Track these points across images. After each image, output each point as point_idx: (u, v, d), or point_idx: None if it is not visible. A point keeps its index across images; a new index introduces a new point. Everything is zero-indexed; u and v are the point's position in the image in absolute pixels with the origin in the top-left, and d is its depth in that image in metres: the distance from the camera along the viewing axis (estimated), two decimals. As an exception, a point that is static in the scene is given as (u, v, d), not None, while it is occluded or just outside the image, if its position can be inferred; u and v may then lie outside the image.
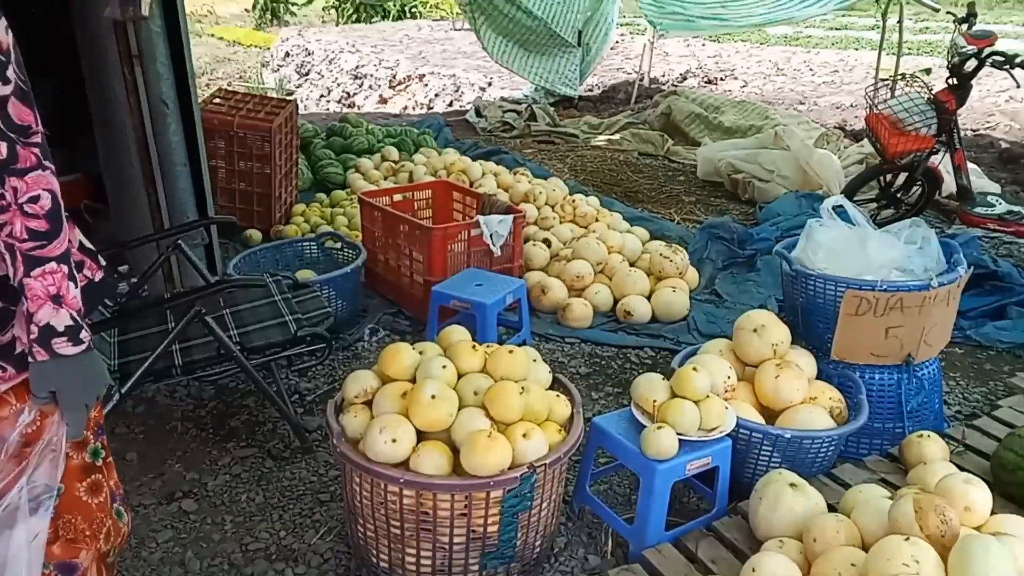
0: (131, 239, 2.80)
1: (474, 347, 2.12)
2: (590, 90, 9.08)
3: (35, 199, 1.18)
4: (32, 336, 1.21)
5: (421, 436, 1.91)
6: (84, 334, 1.25)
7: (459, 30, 14.12)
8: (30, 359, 1.23)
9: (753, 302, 3.61)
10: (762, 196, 5.08)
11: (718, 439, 2.14)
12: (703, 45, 12.49)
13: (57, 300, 1.21)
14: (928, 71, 5.17)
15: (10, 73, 1.15)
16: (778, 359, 2.45)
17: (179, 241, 2.76)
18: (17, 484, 1.22)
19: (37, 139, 1.20)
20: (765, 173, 5.18)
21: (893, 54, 7.12)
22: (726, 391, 2.33)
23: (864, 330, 2.46)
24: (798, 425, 2.28)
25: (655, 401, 2.15)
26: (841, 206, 2.74)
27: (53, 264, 1.21)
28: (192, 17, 15.37)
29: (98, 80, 3.22)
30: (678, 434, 2.07)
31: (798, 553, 1.87)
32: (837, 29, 13.69)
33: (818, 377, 2.52)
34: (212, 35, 16.38)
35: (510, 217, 3.50)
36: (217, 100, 4.50)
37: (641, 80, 8.69)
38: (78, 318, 1.24)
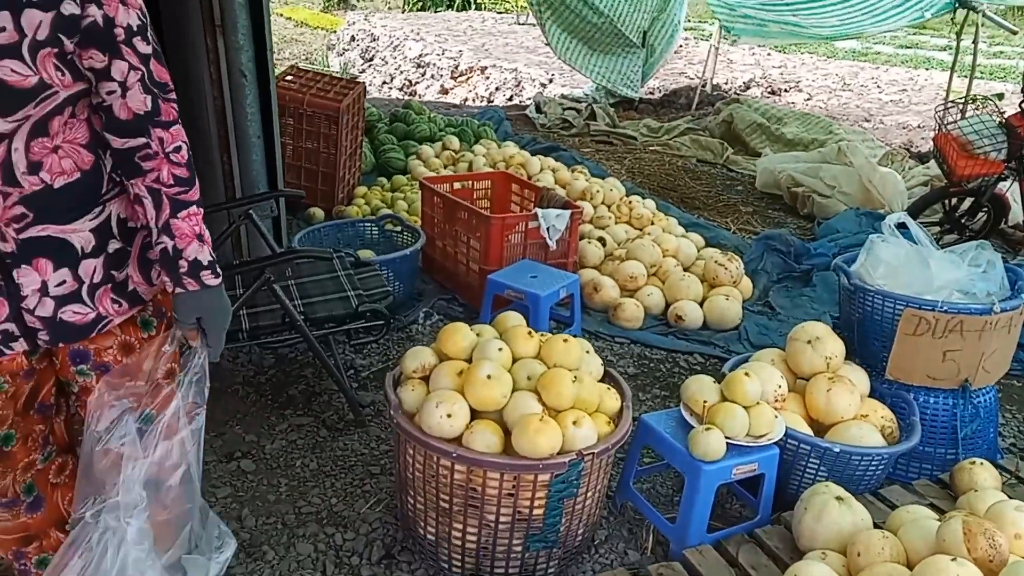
0: (204, 206, 2.91)
1: (530, 333, 2.16)
2: (651, 93, 9.05)
3: (177, 149, 1.31)
4: (182, 270, 1.35)
5: (475, 415, 1.96)
6: (218, 268, 1.39)
7: (523, 24, 14.17)
8: (179, 290, 1.37)
9: (806, 317, 3.57)
10: (822, 211, 5.03)
11: (766, 446, 2.15)
12: (768, 55, 12.32)
13: (200, 238, 1.36)
14: (1001, 96, 5.06)
15: (150, 34, 1.26)
16: (831, 373, 2.45)
17: (250, 211, 2.86)
18: (172, 403, 1.36)
19: (174, 96, 1.32)
20: (826, 188, 5.12)
21: (965, 76, 6.96)
22: (776, 400, 2.34)
23: (921, 351, 2.44)
24: (847, 440, 2.28)
25: (705, 403, 2.17)
26: (904, 224, 2.71)
27: (194, 207, 1.35)
28: (263, -3, 15.58)
29: (180, 48, 3.34)
30: (726, 437, 2.09)
31: (841, 566, 1.87)
32: (907, 47, 13.37)
33: (870, 395, 2.50)
34: (280, 14, 16.68)
35: (568, 212, 3.54)
36: (289, 77, 4.62)
37: (703, 86, 8.63)
38: (214, 255, 1.39)
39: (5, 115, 1.15)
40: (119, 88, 1.24)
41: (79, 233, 1.30)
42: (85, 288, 1.32)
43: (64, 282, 1.30)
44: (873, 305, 2.49)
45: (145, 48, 1.25)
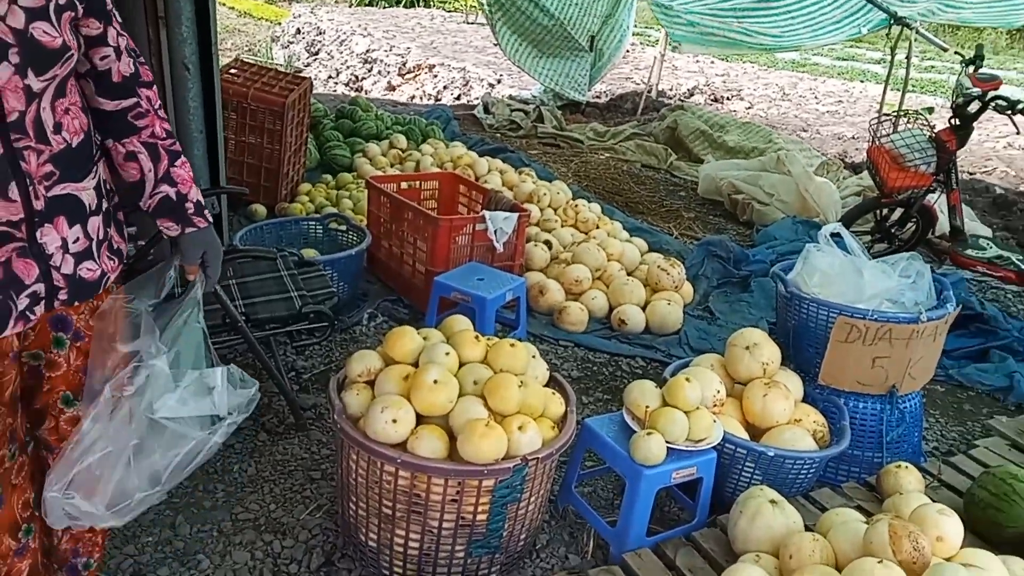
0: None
1: (477, 338, 2.17)
2: (598, 97, 9.14)
3: (161, 105, 1.45)
4: (190, 211, 1.49)
5: (420, 420, 1.96)
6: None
7: (471, 23, 14.14)
8: (190, 230, 1.51)
9: (744, 322, 3.68)
10: (760, 219, 5.16)
11: (704, 451, 2.20)
12: (712, 63, 12.58)
13: (196, 182, 1.51)
14: (931, 110, 5.27)
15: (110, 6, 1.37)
16: (767, 378, 2.52)
17: (190, 209, 2.78)
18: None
19: (143, 60, 1.44)
20: (765, 196, 5.26)
21: (898, 89, 7.23)
22: (715, 404, 2.40)
23: (852, 357, 2.53)
24: (781, 444, 2.35)
25: (647, 408, 2.21)
26: (838, 234, 2.81)
27: (182, 156, 1.49)
28: (205, -16, 15.18)
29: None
30: (667, 442, 2.13)
31: (774, 568, 1.93)
32: (844, 59, 13.82)
33: (804, 400, 2.59)
34: (223, 3, 16.28)
35: (515, 215, 3.56)
36: (233, 70, 4.52)
37: (649, 92, 8.76)
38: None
39: (39, 74, 1.23)
40: (113, 53, 1.37)
41: (87, 191, 1.37)
42: (94, 244, 1.39)
43: (78, 239, 1.36)
44: (808, 312, 2.57)
45: (119, 17, 1.38)
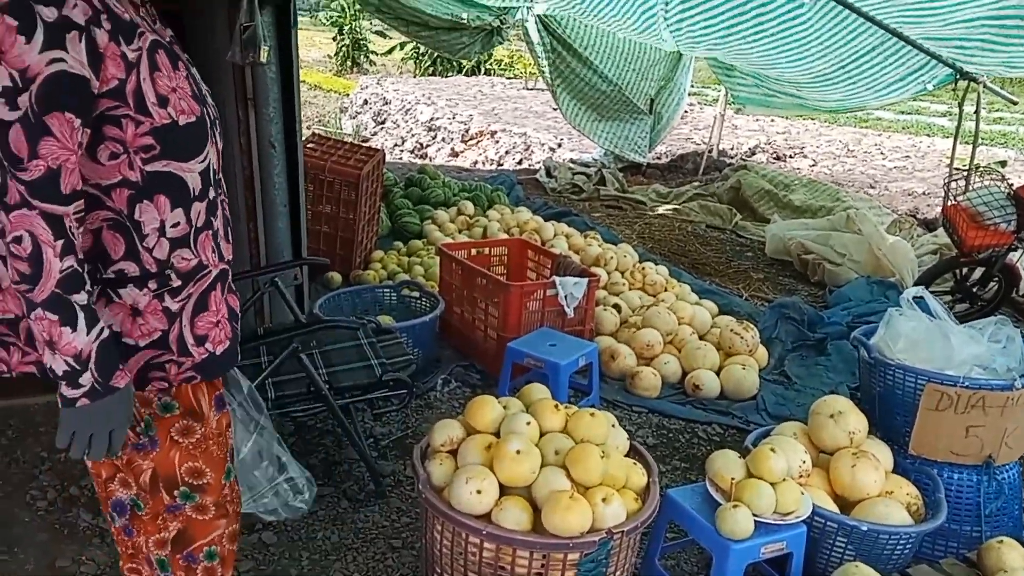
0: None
1: (556, 406, 2.17)
2: (658, 158, 9.21)
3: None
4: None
5: (503, 490, 1.96)
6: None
7: (531, 89, 14.51)
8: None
9: (823, 387, 3.59)
10: (832, 279, 5.07)
11: (794, 524, 2.13)
12: (772, 121, 12.57)
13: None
14: (1004, 163, 5.16)
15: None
16: (854, 448, 2.44)
17: (275, 279, 2.90)
18: None
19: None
20: (836, 256, 5.17)
21: (967, 143, 7.08)
22: (801, 475, 2.33)
23: (944, 426, 2.44)
24: (874, 518, 2.26)
25: (732, 479, 2.17)
26: (921, 297, 2.74)
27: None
28: (278, 61, 16.01)
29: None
30: (754, 515, 2.08)
31: (874, 650, 1.84)
32: (908, 113, 13.64)
33: (894, 470, 2.50)
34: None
35: (585, 280, 3.58)
36: (311, 144, 4.73)
37: (710, 152, 8.79)
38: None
39: None
40: None
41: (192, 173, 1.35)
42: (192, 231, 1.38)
43: (178, 223, 1.35)
44: (894, 379, 2.50)
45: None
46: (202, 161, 1.37)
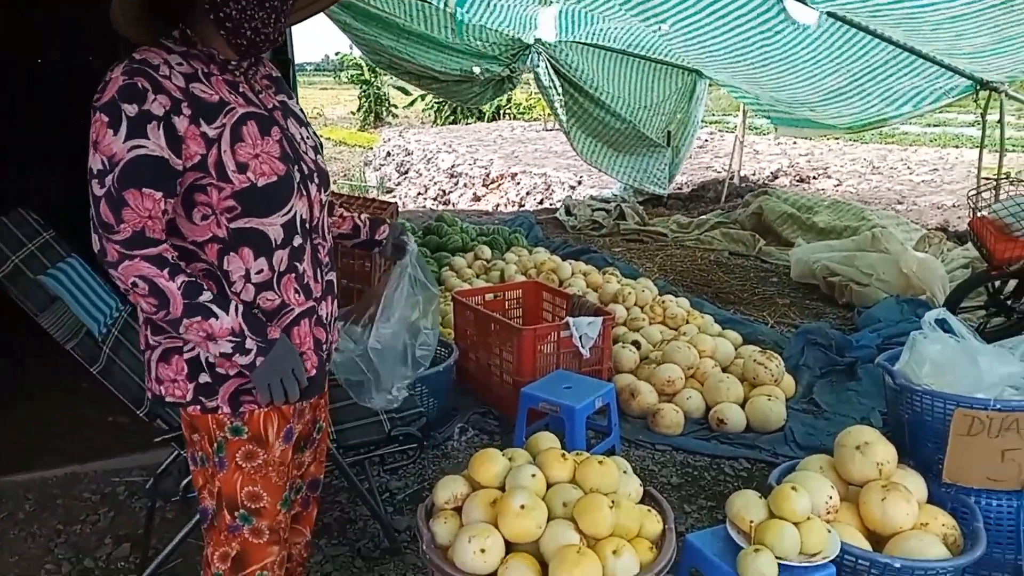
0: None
1: (563, 456, 2.11)
2: (679, 188, 9.17)
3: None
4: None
5: (509, 547, 1.90)
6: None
7: (550, 130, 14.64)
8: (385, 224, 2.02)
9: (855, 414, 3.45)
10: (861, 300, 4.93)
11: (822, 566, 2.02)
12: (794, 143, 12.47)
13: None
14: (1033, 170, 5.00)
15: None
16: (884, 480, 2.33)
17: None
18: None
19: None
20: (863, 277, 5.04)
21: (994, 151, 6.92)
22: (828, 512, 2.22)
23: (977, 452, 2.32)
24: (908, 553, 2.14)
25: (752, 522, 2.07)
26: (944, 319, 2.63)
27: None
28: (302, 119, 16.49)
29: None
30: (777, 558, 1.98)
31: None
32: (935, 126, 13.43)
33: (928, 500, 2.37)
34: (321, 136, 17.50)
35: (599, 319, 3.53)
36: (324, 202, 4.78)
37: (731, 178, 8.73)
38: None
39: (325, 191, 1.74)
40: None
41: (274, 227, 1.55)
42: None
43: (261, 270, 1.55)
44: (922, 405, 2.39)
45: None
46: (285, 215, 1.54)
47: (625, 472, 2.14)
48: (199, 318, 1.43)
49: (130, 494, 2.89)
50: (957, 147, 11.48)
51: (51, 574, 2.46)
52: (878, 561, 2.11)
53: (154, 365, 1.57)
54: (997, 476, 2.33)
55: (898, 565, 2.09)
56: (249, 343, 1.48)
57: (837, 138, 12.70)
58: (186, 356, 1.55)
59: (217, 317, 1.45)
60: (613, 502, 1.94)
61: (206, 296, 1.45)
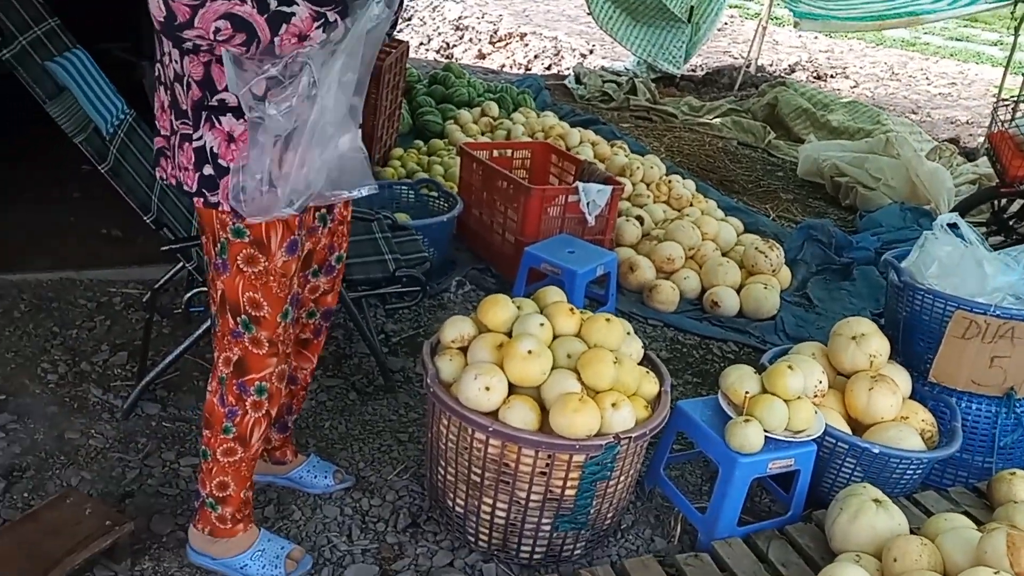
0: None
1: (571, 310, 2.12)
2: (693, 70, 8.86)
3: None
4: None
5: (512, 389, 1.93)
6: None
7: (565, -8, 13.90)
8: None
9: (845, 312, 3.50)
10: (865, 203, 4.91)
11: (804, 442, 2.11)
12: (816, 39, 12.00)
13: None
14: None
15: None
16: (874, 372, 2.39)
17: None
18: None
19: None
20: (871, 180, 4.99)
21: (1018, 73, 6.73)
22: (816, 395, 2.29)
23: (968, 355, 2.38)
24: (887, 442, 2.23)
25: (747, 393, 2.13)
26: (955, 224, 2.62)
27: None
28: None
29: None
30: (765, 431, 2.05)
31: (875, 570, 1.83)
32: (957, 40, 12.96)
33: (912, 397, 2.44)
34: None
35: (609, 188, 3.47)
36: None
37: (748, 67, 8.42)
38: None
39: None
40: None
41: None
42: None
43: None
44: (922, 304, 2.42)
45: None
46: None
47: (629, 333, 2.17)
48: (285, 25, 1.40)
49: (126, 306, 2.88)
50: (978, 63, 11.14)
51: (48, 373, 2.49)
52: (857, 445, 2.20)
53: (176, 152, 1.57)
54: (982, 381, 2.40)
55: (876, 451, 2.18)
56: (331, 15, 1.44)
57: (859, 38, 12.24)
58: (194, 145, 1.54)
59: (295, 14, 1.40)
60: (616, 359, 1.98)
61: (273, 2, 1.40)
